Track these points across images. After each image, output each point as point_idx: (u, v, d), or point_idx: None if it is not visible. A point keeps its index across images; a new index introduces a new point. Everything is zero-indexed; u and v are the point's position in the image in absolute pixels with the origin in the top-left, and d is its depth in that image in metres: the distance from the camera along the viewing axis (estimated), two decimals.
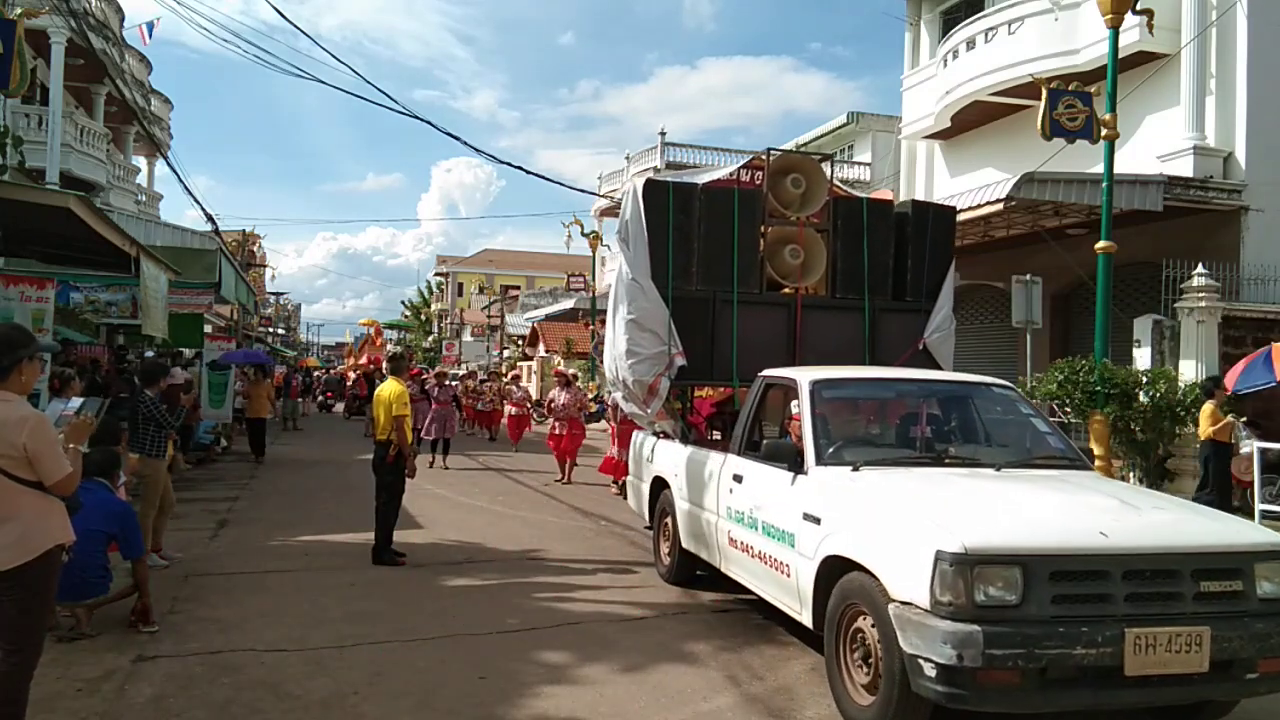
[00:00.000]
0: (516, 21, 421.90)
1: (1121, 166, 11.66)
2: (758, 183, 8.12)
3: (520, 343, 44.99)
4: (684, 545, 6.83)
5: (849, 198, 8.53)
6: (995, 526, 3.93)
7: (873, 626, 4.12)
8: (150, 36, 24.50)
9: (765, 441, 5.55)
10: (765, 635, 5.77)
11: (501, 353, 46.38)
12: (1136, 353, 12.65)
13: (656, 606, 6.46)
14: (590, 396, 25.07)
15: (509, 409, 19.00)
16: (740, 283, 7.56)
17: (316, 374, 39.80)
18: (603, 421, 26.21)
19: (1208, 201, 13.49)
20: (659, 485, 7.54)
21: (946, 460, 5.28)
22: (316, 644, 5.38)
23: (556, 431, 14.33)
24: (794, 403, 5.62)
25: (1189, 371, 11.94)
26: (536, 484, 13.30)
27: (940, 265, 8.18)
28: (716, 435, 8.26)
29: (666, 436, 7.66)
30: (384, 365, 27.59)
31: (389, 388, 8.00)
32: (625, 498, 9.21)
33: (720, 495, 6.07)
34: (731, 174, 8.45)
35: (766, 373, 6.32)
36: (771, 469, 5.33)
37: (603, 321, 33.06)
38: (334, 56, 16.02)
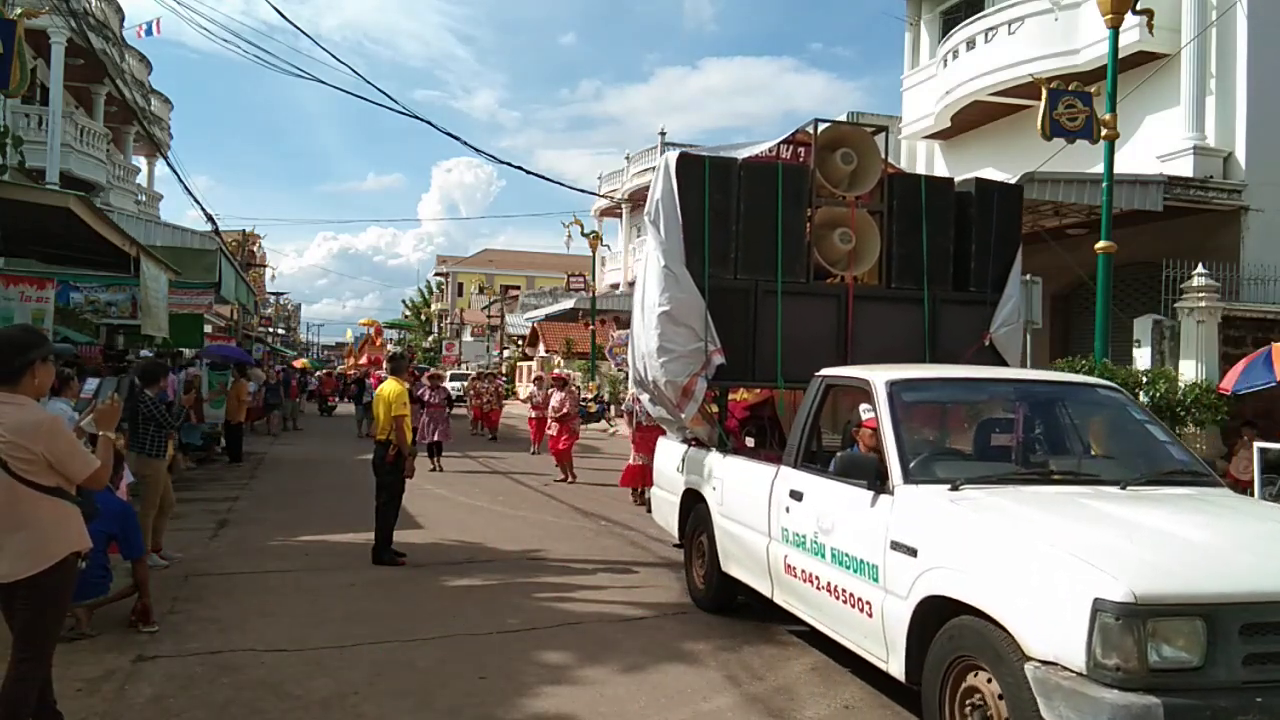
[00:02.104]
0: (517, 22, 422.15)
1: (1121, 166, 11.66)
2: (801, 159, 7.37)
3: (520, 343, 45.02)
4: (723, 568, 6.08)
5: (905, 175, 7.66)
6: (1168, 567, 3.19)
7: (994, 688, 3.40)
8: (154, 34, 24.49)
9: (839, 454, 4.69)
10: (765, 635, 5.77)
11: (501, 353, 46.40)
12: (1136, 353, 12.65)
13: (656, 606, 6.46)
14: (590, 397, 25.08)
15: (531, 412, 18.89)
16: (785, 271, 6.76)
17: (318, 374, 39.75)
18: (602, 422, 26.30)
19: (1208, 201, 13.49)
20: (691, 499, 6.77)
21: (1056, 477, 4.50)
22: (316, 644, 5.37)
23: (552, 433, 14.24)
24: (862, 407, 4.92)
25: (1189, 371, 11.94)
26: (537, 484, 13.30)
27: (1006, 251, 7.34)
28: (749, 442, 7.66)
29: (699, 444, 6.87)
30: (384, 365, 27.56)
31: (389, 387, 8.00)
32: (649, 511, 8.08)
33: (773, 514, 5.29)
34: (770, 150, 7.43)
35: (827, 372, 5.53)
36: (843, 486, 4.56)
37: (602, 322, 33.19)
38: (334, 56, 16.05)
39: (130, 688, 4.59)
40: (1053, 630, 3.13)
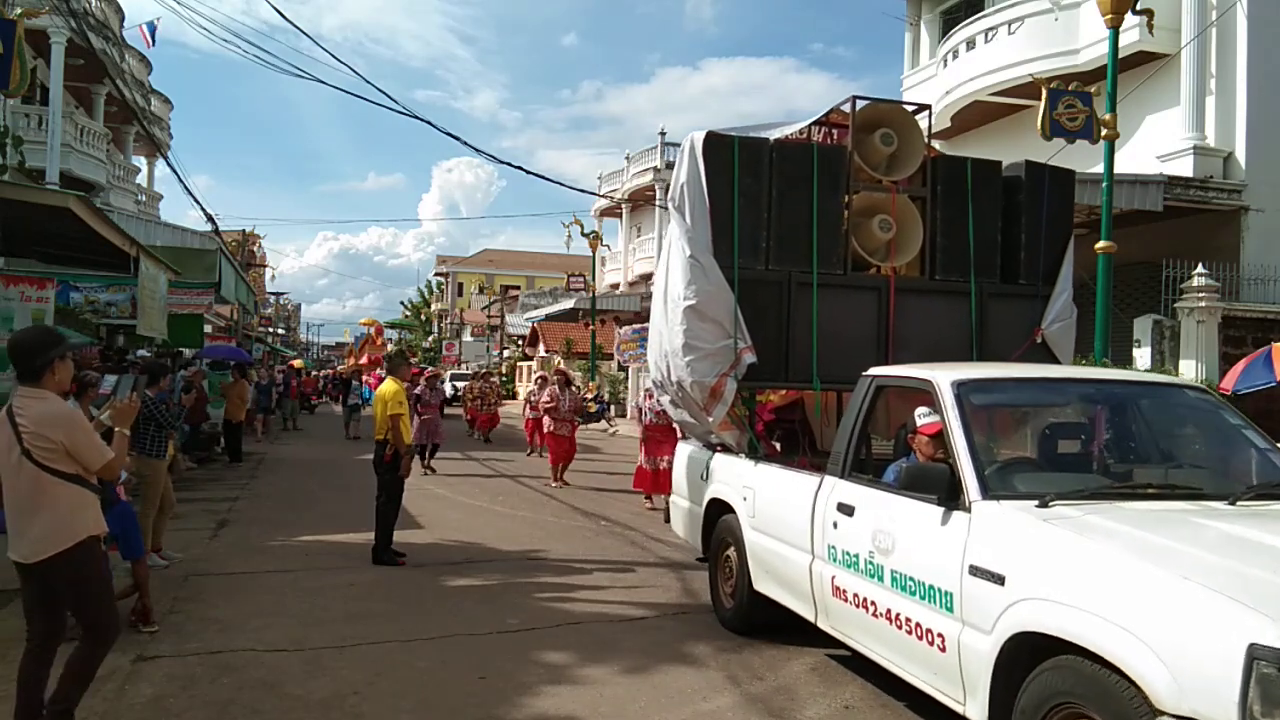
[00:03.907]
0: (518, 22, 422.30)
1: (1121, 166, 11.67)
2: (834, 143, 6.90)
3: (520, 343, 45.03)
4: (755, 586, 5.57)
5: (949, 157, 7.05)
6: None
7: None
8: (153, 37, 24.50)
9: (904, 465, 4.23)
10: (765, 635, 5.76)
11: (501, 353, 46.40)
12: (1136, 353, 12.66)
13: (656, 606, 6.46)
14: (590, 397, 25.07)
15: (529, 412, 18.67)
16: (820, 261, 6.24)
17: (319, 374, 39.74)
18: (602, 422, 26.28)
19: (1208, 201, 13.50)
20: (718, 509, 6.21)
21: (1153, 491, 3.92)
22: (316, 644, 5.37)
23: (554, 432, 13.92)
24: (919, 411, 4.48)
25: (1189, 371, 11.95)
26: (537, 484, 13.29)
27: (1058, 240, 6.86)
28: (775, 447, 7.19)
29: (725, 449, 6.36)
30: (383, 364, 27.48)
31: (386, 387, 8.02)
32: (667, 520, 7.47)
33: (817, 530, 4.77)
34: (801, 132, 6.87)
35: (878, 371, 5.03)
36: (905, 500, 4.07)
37: (602, 322, 33.10)
38: (334, 57, 16.03)
39: (130, 688, 4.59)
40: (1193, 680, 2.66)
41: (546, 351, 37.46)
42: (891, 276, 6.47)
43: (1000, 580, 3.39)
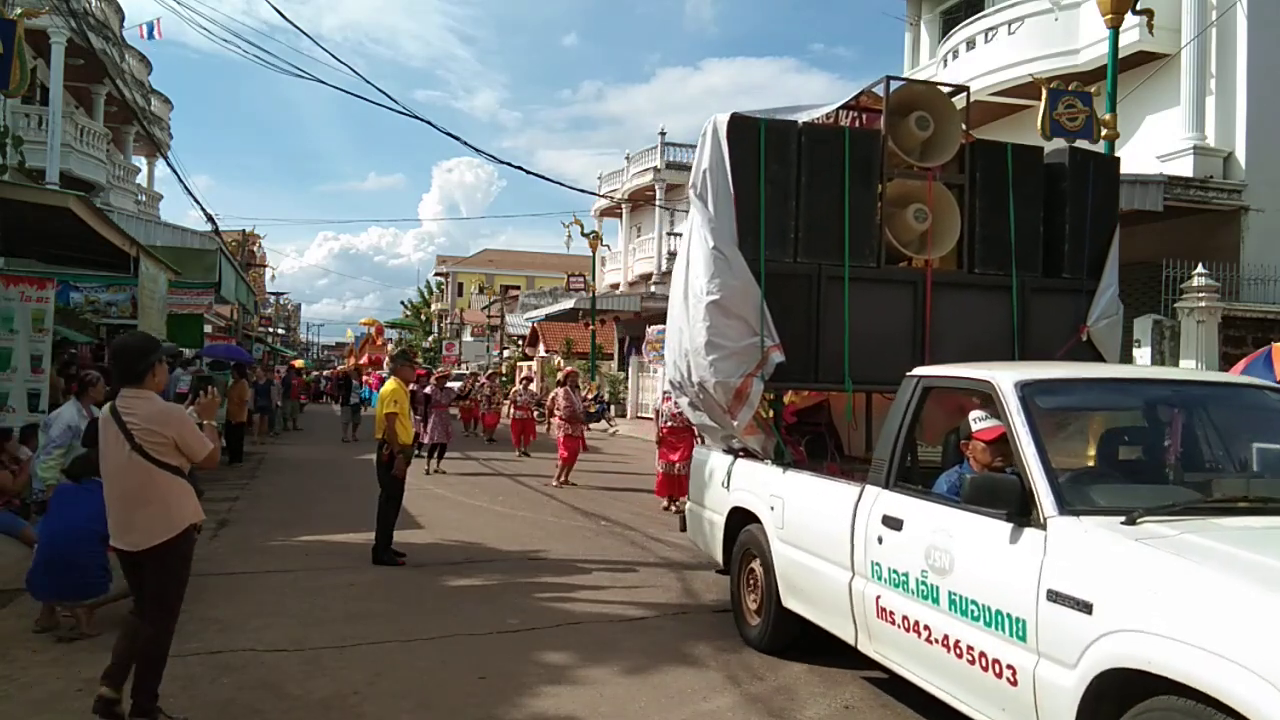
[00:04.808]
0: (519, 22, 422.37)
1: (1122, 166, 11.65)
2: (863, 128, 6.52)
3: (520, 343, 45.03)
4: (783, 603, 5.19)
5: (988, 143, 6.66)
6: None
7: None
8: (156, 35, 24.49)
9: (969, 476, 3.73)
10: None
11: (501, 353, 46.41)
12: (1136, 353, 12.66)
13: (657, 606, 6.46)
14: (590, 397, 25.08)
15: (514, 412, 18.75)
16: (852, 253, 5.84)
17: (318, 374, 39.74)
18: (602, 422, 26.29)
19: (1208, 201, 13.50)
20: (741, 518, 5.81)
21: (1245, 505, 3.57)
22: (316, 644, 5.37)
23: (571, 434, 13.73)
24: (973, 415, 4.11)
25: None
26: (537, 484, 13.29)
27: (1103, 231, 6.50)
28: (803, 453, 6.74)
29: (748, 455, 5.97)
30: (384, 364, 27.46)
31: (385, 386, 8.07)
32: (683, 529, 7.04)
33: (859, 544, 4.40)
34: (828, 117, 6.46)
35: (926, 371, 4.62)
36: (964, 514, 3.70)
37: (602, 322, 33.00)
38: (334, 57, 16.05)
39: (130, 688, 4.58)
40: None
41: (546, 351, 37.46)
42: (929, 270, 6.04)
43: (1087, 608, 3.03)
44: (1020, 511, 3.42)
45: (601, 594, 6.85)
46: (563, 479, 13.30)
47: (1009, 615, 3.36)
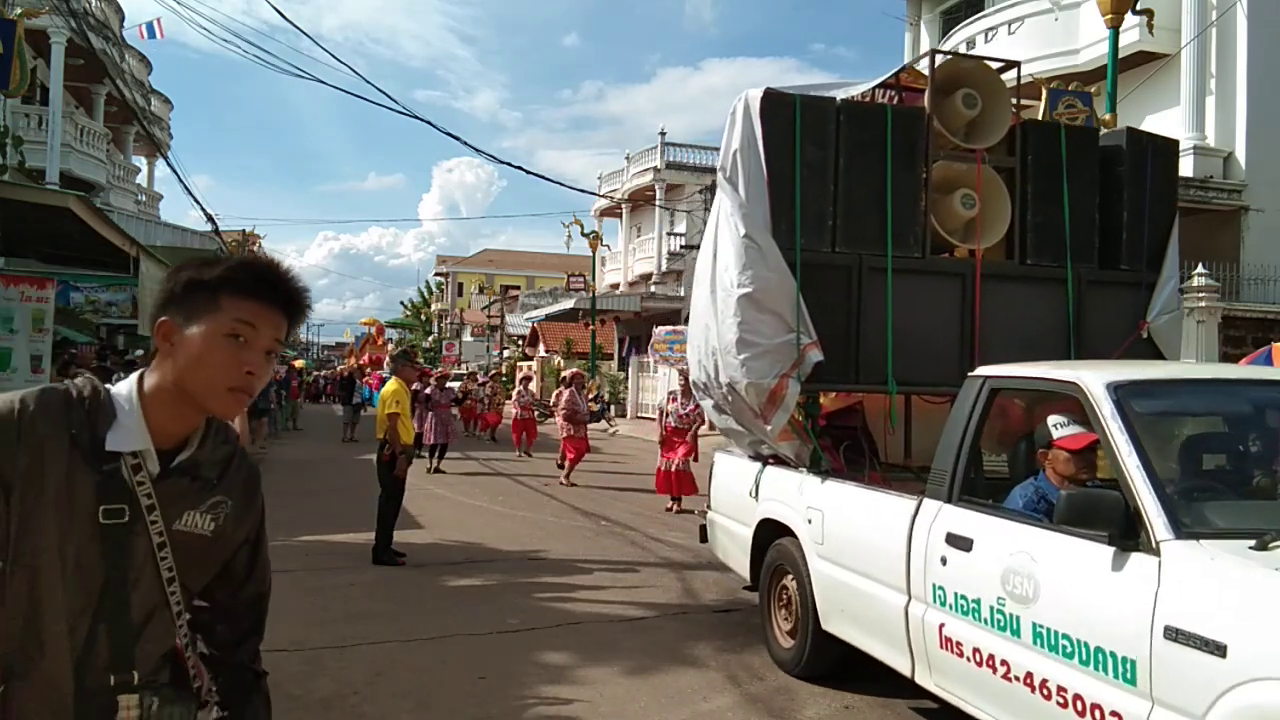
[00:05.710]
0: (519, 22, 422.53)
1: None
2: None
3: (520, 343, 45.04)
4: (823, 626, 4.72)
5: (1040, 123, 6.12)
6: None
7: None
8: (157, 35, 24.49)
9: (1067, 493, 3.22)
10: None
11: (501, 353, 46.42)
12: None
13: (657, 607, 6.45)
14: (590, 397, 25.09)
15: (515, 412, 18.75)
16: (895, 243, 5.34)
17: (318, 374, 39.74)
18: (602, 422, 26.30)
19: (1208, 201, 13.52)
20: (771, 531, 5.34)
21: None
22: (316, 644, 5.38)
23: (574, 435, 13.69)
24: (1053, 420, 3.69)
25: None
26: (536, 484, 13.29)
27: (1163, 220, 6.04)
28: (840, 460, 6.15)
29: (778, 461, 5.46)
30: (385, 364, 27.50)
31: (387, 386, 8.08)
32: (703, 539, 6.51)
33: (916, 565, 3.93)
34: (864, 95, 5.89)
35: (992, 371, 4.10)
36: (1054, 536, 3.26)
37: (603, 322, 33.01)
38: (334, 57, 16.08)
39: None
40: None
41: (547, 351, 37.47)
42: (978, 260, 5.56)
43: (1220, 650, 2.57)
44: (1126, 534, 2.98)
45: (601, 594, 6.85)
46: (567, 479, 13.35)
47: (1112, 654, 2.92)
